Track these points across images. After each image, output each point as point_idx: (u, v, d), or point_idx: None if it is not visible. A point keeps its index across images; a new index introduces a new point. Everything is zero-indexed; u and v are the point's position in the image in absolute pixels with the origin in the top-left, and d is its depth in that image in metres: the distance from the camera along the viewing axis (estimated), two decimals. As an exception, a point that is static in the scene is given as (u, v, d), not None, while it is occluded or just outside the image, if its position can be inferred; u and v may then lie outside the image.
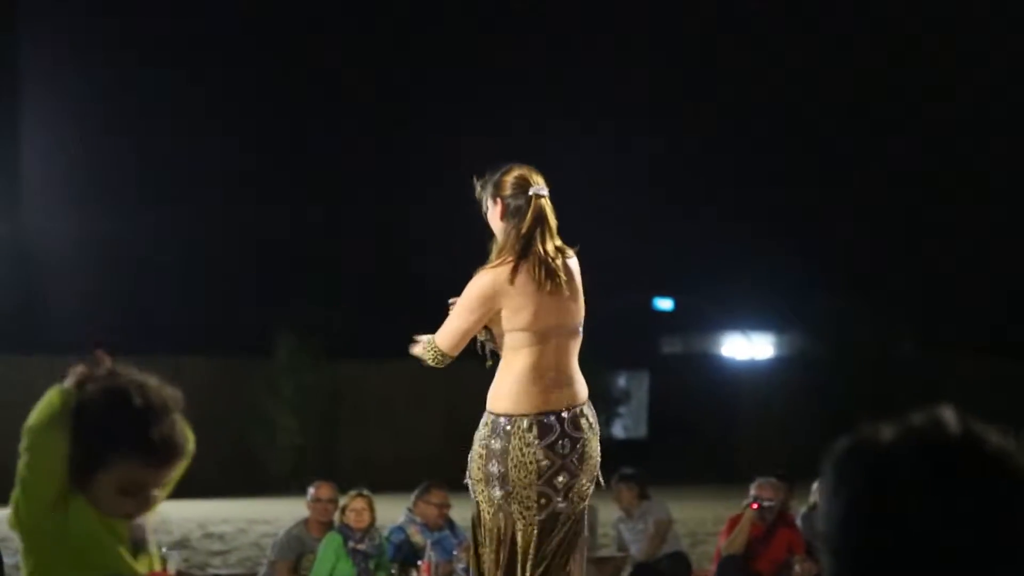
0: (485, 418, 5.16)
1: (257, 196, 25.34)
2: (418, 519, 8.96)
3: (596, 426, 5.26)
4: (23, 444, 2.62)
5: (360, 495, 8.75)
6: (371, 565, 8.62)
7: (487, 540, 5.13)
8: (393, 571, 8.85)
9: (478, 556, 5.20)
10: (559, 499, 5.09)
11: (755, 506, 9.30)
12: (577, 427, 5.13)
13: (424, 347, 5.28)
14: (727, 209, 29.74)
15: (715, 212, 29.81)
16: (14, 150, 23.13)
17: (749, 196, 29.76)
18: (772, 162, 30.20)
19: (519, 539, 5.09)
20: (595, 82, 29.41)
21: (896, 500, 1.46)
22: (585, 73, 29.35)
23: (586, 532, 9.76)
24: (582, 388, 5.23)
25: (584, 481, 5.18)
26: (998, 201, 28.39)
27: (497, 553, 5.12)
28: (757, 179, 29.96)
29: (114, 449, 2.60)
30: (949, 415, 1.50)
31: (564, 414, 5.09)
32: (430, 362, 5.28)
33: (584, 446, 5.14)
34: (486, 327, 5.20)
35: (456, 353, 5.26)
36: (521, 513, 5.07)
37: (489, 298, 5.10)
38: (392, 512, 10.69)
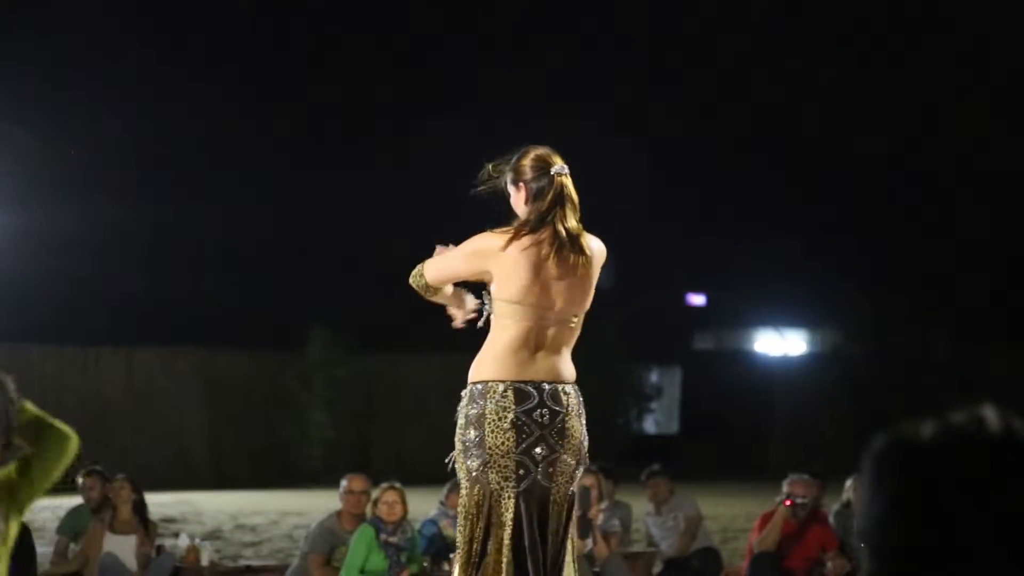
0: (464, 391, 5.03)
1: (292, 191, 25.41)
2: (451, 512, 8.97)
3: (581, 408, 5.04)
4: None
5: (392, 488, 8.76)
6: (403, 558, 8.64)
7: (463, 517, 4.93)
8: (425, 564, 8.87)
9: (457, 537, 5.03)
10: (539, 473, 4.88)
11: (788, 503, 9.27)
12: (557, 401, 4.93)
13: (415, 271, 5.15)
14: (761, 205, 29.63)
15: (749, 208, 29.71)
16: (49, 142, 23.28)
17: (783, 192, 29.65)
18: (807, 159, 30.08)
19: (500, 511, 4.88)
20: (630, 76, 29.37)
21: (936, 497, 1.45)
22: (620, 68, 29.32)
23: (620, 528, 9.80)
24: (568, 368, 5.03)
25: (567, 459, 4.95)
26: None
27: (473, 526, 4.91)
28: (792, 176, 29.84)
29: None
30: (990, 412, 1.50)
31: (544, 385, 4.92)
32: (413, 285, 5.15)
33: (564, 421, 4.93)
34: (488, 292, 5.08)
35: (437, 288, 5.12)
36: (499, 483, 4.87)
37: (477, 257, 4.97)
38: (424, 505, 10.71)
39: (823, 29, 29.21)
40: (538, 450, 4.90)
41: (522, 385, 4.91)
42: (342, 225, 24.80)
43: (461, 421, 4.98)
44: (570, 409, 4.98)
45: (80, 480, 9.59)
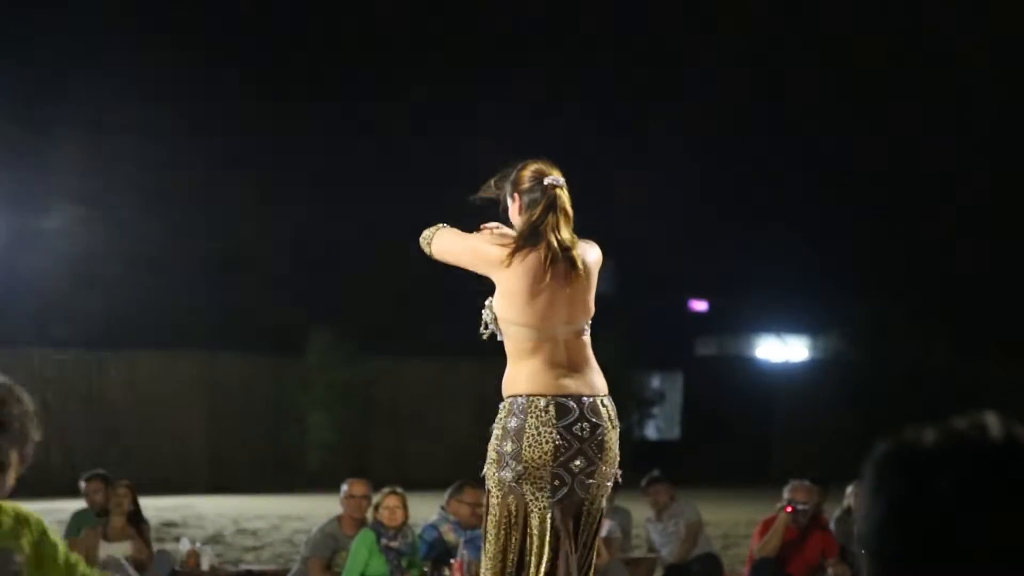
0: (502, 404, 5.01)
1: (292, 195, 25.41)
2: (451, 517, 8.97)
3: (616, 421, 5.07)
4: None
5: (393, 492, 8.77)
6: (404, 563, 8.64)
7: (493, 526, 4.91)
8: (426, 568, 8.87)
9: (486, 547, 4.97)
10: (576, 485, 4.89)
11: (789, 509, 9.27)
12: (597, 414, 4.95)
13: (426, 235, 5.16)
14: (762, 211, 29.64)
15: (750, 214, 29.71)
16: (50, 142, 23.30)
17: (785, 198, 29.65)
18: (808, 165, 30.09)
19: (533, 522, 4.88)
20: (632, 83, 29.37)
21: (938, 504, 1.45)
22: (621, 73, 29.32)
23: (620, 534, 9.80)
24: (601, 380, 5.06)
25: (605, 470, 4.98)
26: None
27: (507, 537, 4.89)
28: (793, 181, 29.85)
29: None
30: (992, 419, 1.50)
31: (584, 399, 4.94)
32: (420, 244, 5.19)
33: (604, 434, 4.95)
34: (491, 310, 5.05)
35: (439, 247, 5.11)
36: (534, 494, 4.87)
37: (483, 262, 4.99)
38: (424, 510, 10.71)
39: (823, 29, 29.20)
40: (576, 462, 4.91)
41: (563, 400, 4.92)
42: (342, 228, 24.80)
43: (498, 432, 4.97)
44: (608, 423, 5.01)
45: (83, 484, 9.59)
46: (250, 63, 26.26)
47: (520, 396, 4.94)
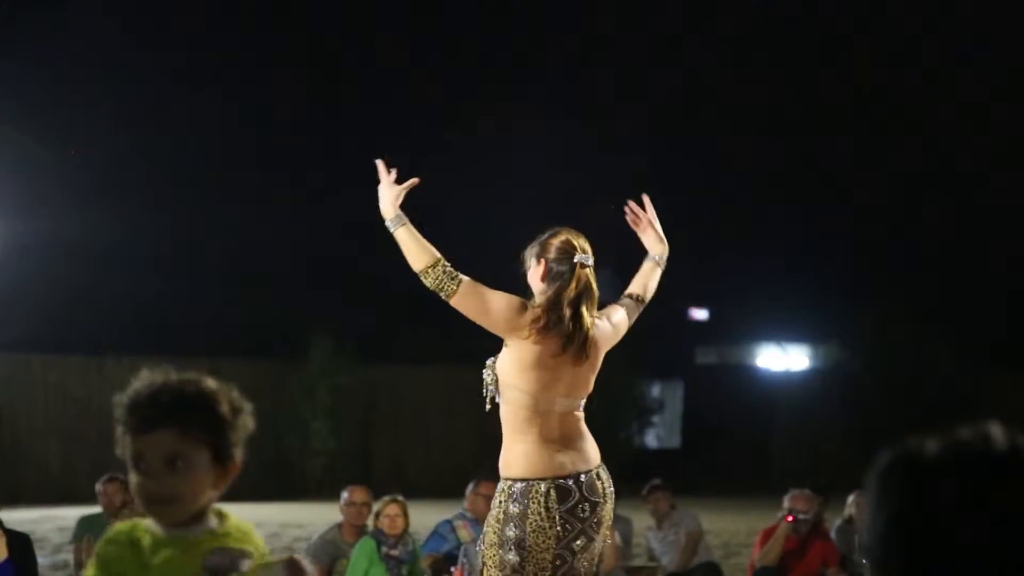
0: (500, 485, 5.05)
1: (294, 200, 25.44)
2: (469, 514, 9.12)
3: (611, 490, 5.12)
4: None
5: (394, 501, 8.77)
6: (404, 571, 8.63)
7: None
8: (424, 566, 8.88)
9: None
10: (575, 561, 4.97)
11: (790, 518, 9.26)
12: (594, 491, 5.00)
13: (434, 260, 4.99)
14: (763, 219, 29.65)
15: (751, 222, 29.73)
16: (51, 147, 23.32)
17: (786, 207, 29.66)
18: (808, 172, 30.09)
19: None
20: (630, 85, 29.38)
21: (941, 513, 1.45)
22: (620, 75, 29.33)
23: (621, 542, 9.79)
24: (595, 451, 5.11)
25: (599, 544, 5.07)
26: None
27: None
28: (794, 190, 29.85)
29: None
30: (996, 429, 1.50)
31: (582, 478, 4.98)
32: (429, 279, 4.99)
33: (602, 511, 5.02)
34: (494, 371, 5.07)
35: (457, 303, 4.96)
36: (535, 574, 4.94)
37: (508, 323, 4.95)
38: (425, 518, 10.71)
39: (823, 30, 29.22)
40: (578, 543, 4.97)
41: (563, 482, 4.96)
42: (344, 235, 24.82)
43: (499, 516, 4.99)
44: (606, 496, 5.07)
45: (99, 486, 9.61)
46: (249, 65, 26.28)
47: (519, 481, 4.97)
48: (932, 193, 28.92)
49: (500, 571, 4.97)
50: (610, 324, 5.22)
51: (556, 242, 5.13)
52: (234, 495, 2.87)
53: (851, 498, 10.12)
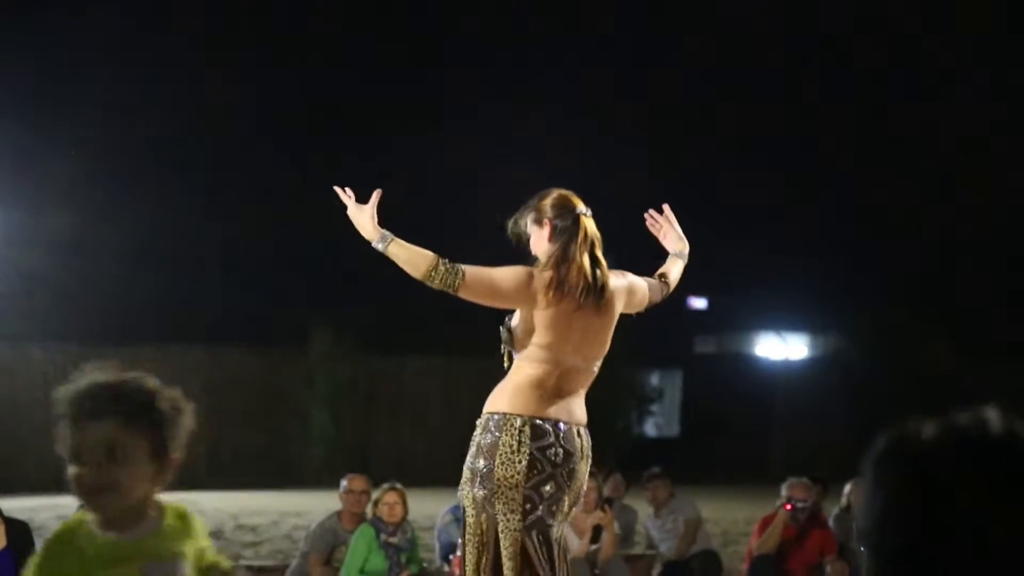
0: (480, 420, 5.00)
1: (295, 191, 25.42)
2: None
3: (589, 453, 5.04)
4: None
5: (393, 489, 8.78)
6: (403, 558, 8.65)
7: (469, 543, 4.91)
8: (425, 565, 8.89)
9: (464, 565, 4.98)
10: (543, 510, 4.86)
11: (788, 507, 9.28)
12: (571, 442, 4.92)
13: (432, 263, 4.93)
14: (762, 208, 29.64)
15: (750, 211, 29.71)
16: (52, 140, 23.30)
17: (784, 196, 29.65)
18: (808, 162, 30.08)
19: (504, 543, 4.86)
20: (628, 81, 29.37)
21: (937, 498, 1.46)
22: (620, 73, 29.33)
23: (620, 531, 9.80)
24: (582, 411, 5.03)
25: (569, 499, 4.95)
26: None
27: (479, 557, 4.89)
28: (792, 178, 29.85)
29: None
30: (992, 415, 1.50)
31: (560, 426, 4.92)
32: (435, 281, 4.93)
33: (575, 464, 4.93)
34: (509, 331, 5.08)
35: (466, 294, 4.91)
36: (505, 515, 4.84)
37: (523, 291, 4.93)
38: (424, 507, 10.72)
39: (823, 29, 29.20)
40: (547, 488, 4.88)
41: (540, 422, 4.90)
42: (345, 225, 24.79)
43: (473, 450, 4.97)
44: (582, 452, 5.00)
45: None
46: (251, 58, 26.26)
47: (497, 414, 4.94)
48: (932, 182, 28.92)
49: (473, 508, 4.91)
50: (626, 281, 5.18)
51: (551, 201, 5.10)
52: (235, 483, 2.89)
53: (849, 486, 10.15)
